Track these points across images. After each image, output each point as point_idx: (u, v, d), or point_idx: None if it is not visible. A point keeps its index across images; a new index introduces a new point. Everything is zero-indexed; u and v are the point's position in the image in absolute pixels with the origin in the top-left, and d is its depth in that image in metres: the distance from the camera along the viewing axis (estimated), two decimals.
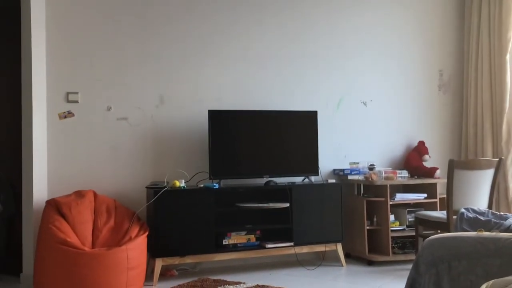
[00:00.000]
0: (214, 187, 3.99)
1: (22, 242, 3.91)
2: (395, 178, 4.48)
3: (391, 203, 4.38)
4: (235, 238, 4.05)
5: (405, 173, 4.62)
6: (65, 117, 4.02)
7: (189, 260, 3.96)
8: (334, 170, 4.69)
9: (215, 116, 4.16)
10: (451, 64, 5.22)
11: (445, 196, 3.90)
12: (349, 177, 4.56)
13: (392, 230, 4.39)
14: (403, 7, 5.05)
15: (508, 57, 4.72)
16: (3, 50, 4.23)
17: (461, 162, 3.99)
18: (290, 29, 4.66)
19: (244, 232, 4.08)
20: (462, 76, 5.21)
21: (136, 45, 4.21)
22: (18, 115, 3.96)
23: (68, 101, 4.03)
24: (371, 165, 4.57)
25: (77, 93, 4.05)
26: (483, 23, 4.91)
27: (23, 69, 3.92)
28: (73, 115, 4.04)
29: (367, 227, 4.38)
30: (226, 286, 3.62)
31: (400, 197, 4.47)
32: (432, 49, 5.15)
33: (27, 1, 3.84)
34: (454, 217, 3.65)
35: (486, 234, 2.17)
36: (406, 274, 2.38)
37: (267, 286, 3.62)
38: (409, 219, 4.48)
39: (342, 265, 4.31)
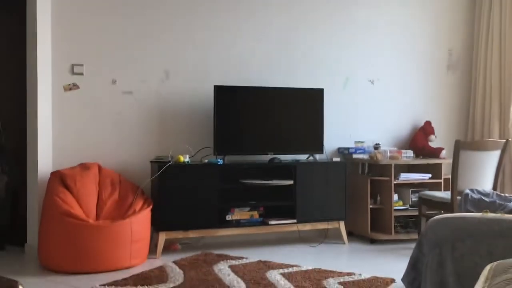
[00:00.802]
0: (219, 163, 3.99)
1: (26, 213, 3.94)
2: (400, 157, 4.46)
3: (395, 182, 4.37)
4: (239, 214, 4.06)
5: (410, 153, 4.60)
6: (70, 89, 4.00)
7: (192, 234, 3.99)
8: (339, 148, 4.67)
9: (221, 92, 4.13)
10: (461, 43, 5.15)
11: (449, 176, 3.89)
12: (354, 156, 4.55)
13: (395, 209, 4.39)
14: None
15: None
16: (7, 23, 4.19)
17: (467, 143, 3.96)
18: (298, 6, 4.59)
19: (247, 209, 4.10)
20: (471, 56, 5.14)
21: (142, 19, 4.17)
22: (24, 87, 3.95)
23: (73, 73, 4.01)
24: (376, 144, 4.55)
25: (82, 65, 4.02)
26: (494, 2, 4.82)
27: (28, 41, 3.90)
28: (78, 87, 4.02)
29: (370, 206, 4.39)
30: (228, 260, 3.65)
31: (405, 177, 4.46)
32: (442, 29, 5.07)
33: None
34: (459, 197, 3.64)
35: (490, 215, 2.17)
36: (407, 253, 2.39)
37: (269, 261, 3.64)
38: (413, 199, 4.48)
39: (344, 243, 4.33)
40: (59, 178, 3.66)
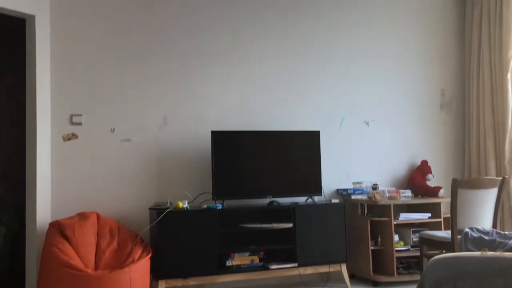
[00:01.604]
0: (218, 208, 3.99)
1: (25, 263, 3.90)
2: (398, 197, 4.47)
3: (395, 223, 4.36)
4: (239, 259, 4.02)
5: (408, 192, 4.61)
6: (69, 139, 4.04)
7: (192, 282, 3.94)
8: (338, 190, 4.68)
9: (218, 137, 4.18)
10: (453, 83, 5.25)
11: (449, 215, 3.88)
12: (353, 197, 4.55)
13: (396, 250, 4.36)
14: (404, 27, 5.10)
15: (509, 76, 4.74)
16: (7, 72, 4.28)
17: (464, 182, 3.98)
18: (291, 50, 4.70)
19: (247, 253, 4.06)
20: (464, 96, 5.23)
21: (138, 67, 4.26)
22: (23, 137, 3.99)
23: (72, 123, 4.06)
24: (374, 184, 4.56)
25: (81, 115, 4.08)
26: (483, 42, 4.95)
27: (27, 92, 3.96)
28: (77, 137, 4.06)
29: (372, 247, 4.36)
30: None
31: (404, 216, 4.45)
32: (434, 69, 5.18)
33: (32, 24, 3.90)
34: (459, 236, 3.62)
35: (490, 253, 2.16)
36: None
37: None
38: (414, 239, 4.46)
39: (347, 286, 4.27)
40: (57, 228, 3.65)
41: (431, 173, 4.80)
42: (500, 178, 3.88)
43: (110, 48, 4.18)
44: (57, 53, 4.03)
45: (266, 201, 4.28)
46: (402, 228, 4.52)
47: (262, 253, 4.10)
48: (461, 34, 5.26)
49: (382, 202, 4.37)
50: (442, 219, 4.47)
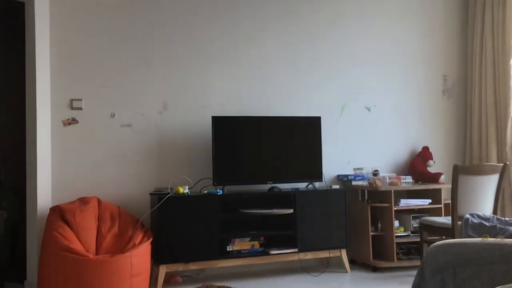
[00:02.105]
0: (218, 194, 3.99)
1: (26, 249, 3.91)
2: (399, 183, 4.47)
3: (395, 208, 4.36)
4: (239, 244, 4.04)
5: (409, 178, 4.61)
6: (69, 123, 4.03)
7: (193, 266, 3.96)
8: (338, 176, 4.68)
9: (219, 122, 4.16)
10: (455, 69, 5.22)
11: (449, 201, 3.88)
12: (353, 183, 4.55)
13: (396, 236, 4.37)
14: (406, 12, 5.05)
15: (511, 62, 4.72)
16: (7, 56, 4.25)
17: (465, 168, 3.97)
18: (293, 35, 4.67)
19: (248, 239, 4.07)
20: (466, 81, 5.20)
21: (139, 52, 4.23)
22: (23, 122, 3.98)
23: (72, 108, 4.04)
24: (375, 170, 4.55)
25: (81, 100, 4.06)
26: (486, 28, 4.91)
27: (27, 76, 3.94)
28: (77, 121, 4.05)
29: (372, 233, 4.36)
30: None
31: (405, 202, 4.45)
32: (436, 54, 5.14)
33: (31, 9, 3.86)
34: (459, 222, 3.62)
35: (491, 240, 2.16)
36: (411, 280, 2.37)
37: None
38: (414, 225, 4.46)
39: (347, 271, 4.29)
40: (58, 213, 3.65)
41: (432, 159, 4.79)
42: (502, 164, 3.87)
43: (110, 33, 4.15)
44: (57, 37, 3.99)
45: (266, 186, 4.28)
46: (403, 214, 4.52)
47: (262, 238, 4.11)
48: (464, 19, 5.22)
49: (383, 188, 4.37)
50: (442, 205, 4.48)
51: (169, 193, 3.86)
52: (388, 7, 4.99)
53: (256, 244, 4.08)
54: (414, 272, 2.38)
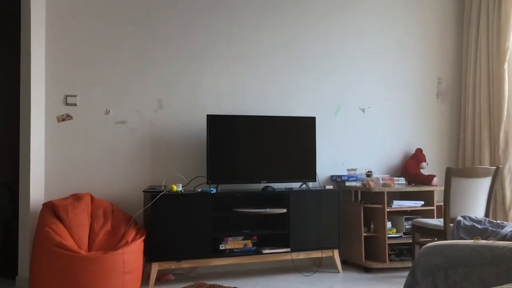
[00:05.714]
0: (212, 192, 3.99)
1: (18, 244, 3.90)
2: (392, 185, 4.48)
3: (388, 210, 4.38)
4: (232, 243, 4.04)
5: (402, 180, 4.62)
6: (64, 120, 4.02)
7: (185, 264, 3.95)
8: (332, 176, 4.69)
9: (214, 121, 4.16)
10: (450, 72, 5.24)
11: (442, 203, 3.90)
12: (347, 184, 4.56)
13: (389, 237, 4.38)
14: (402, 14, 5.07)
15: (506, 66, 4.73)
16: (2, 52, 4.23)
17: (458, 170, 3.99)
18: (289, 36, 4.67)
19: (241, 238, 4.08)
20: (460, 85, 5.22)
21: (135, 49, 4.22)
22: (16, 118, 3.96)
23: (67, 104, 4.03)
24: (368, 171, 4.57)
25: (75, 96, 4.05)
26: (481, 32, 4.94)
27: (22, 72, 3.93)
28: (71, 118, 4.04)
29: (364, 234, 4.38)
30: None
31: (397, 204, 4.47)
32: (431, 57, 5.16)
33: (27, 4, 3.85)
34: (451, 225, 3.64)
35: (482, 242, 2.18)
36: (402, 282, 2.38)
37: None
38: (406, 226, 4.48)
39: (339, 272, 4.30)
40: (51, 209, 3.64)
41: (425, 161, 4.81)
42: (494, 167, 3.89)
43: (106, 29, 4.14)
44: (52, 33, 3.98)
45: (260, 186, 4.28)
46: (395, 215, 4.54)
47: (255, 237, 4.12)
48: (459, 23, 5.24)
49: (376, 189, 4.39)
50: (435, 207, 4.50)
51: (162, 191, 3.86)
52: (384, 10, 5.00)
53: (249, 243, 4.08)
54: (406, 273, 2.39)
